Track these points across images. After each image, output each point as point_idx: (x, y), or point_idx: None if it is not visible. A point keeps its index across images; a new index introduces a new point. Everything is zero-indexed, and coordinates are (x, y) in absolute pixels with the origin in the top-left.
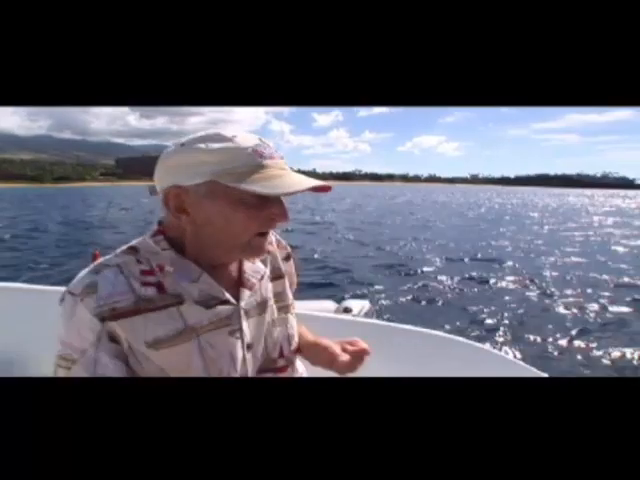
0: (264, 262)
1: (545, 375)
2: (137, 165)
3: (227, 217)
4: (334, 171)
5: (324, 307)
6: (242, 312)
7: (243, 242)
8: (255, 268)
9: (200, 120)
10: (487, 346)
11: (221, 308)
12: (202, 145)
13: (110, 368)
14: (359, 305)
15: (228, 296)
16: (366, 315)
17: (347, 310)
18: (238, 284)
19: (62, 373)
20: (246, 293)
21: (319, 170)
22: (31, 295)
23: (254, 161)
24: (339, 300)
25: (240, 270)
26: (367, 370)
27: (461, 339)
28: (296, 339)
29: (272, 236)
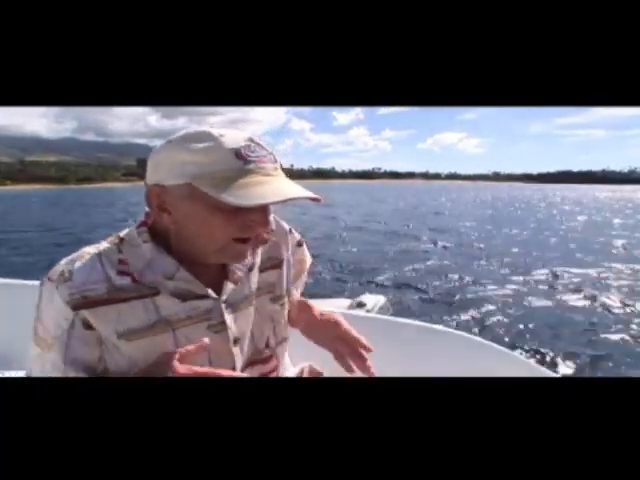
0: (254, 253)
1: (550, 372)
2: None
3: (203, 221)
4: (353, 169)
5: (337, 305)
6: (224, 306)
7: (218, 247)
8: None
9: (220, 120)
10: (488, 341)
11: (199, 302)
12: (186, 144)
13: (80, 354)
14: (374, 300)
15: (208, 291)
16: (381, 310)
17: (360, 305)
18: (222, 277)
19: (37, 351)
20: (229, 286)
21: (338, 168)
22: (12, 290)
23: (235, 165)
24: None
25: (226, 263)
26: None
27: (466, 334)
28: (284, 330)
29: (280, 224)
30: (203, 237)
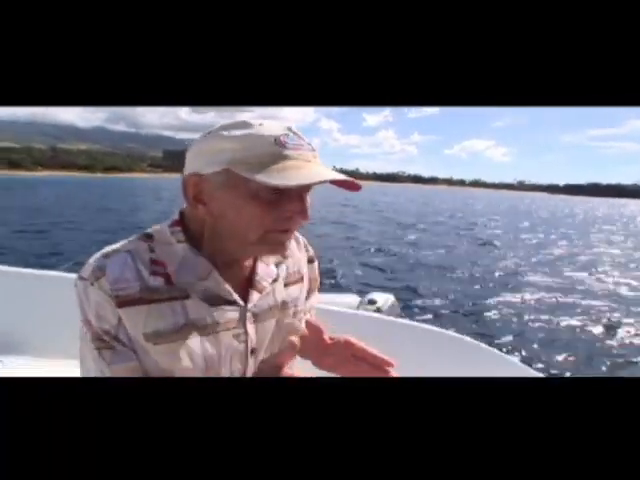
0: (279, 265)
1: (539, 375)
2: (183, 157)
3: (239, 210)
4: (377, 171)
5: (346, 301)
6: (249, 315)
7: (255, 238)
8: (268, 271)
9: (249, 116)
10: (485, 345)
11: (227, 308)
12: (224, 132)
13: (130, 350)
14: (383, 298)
15: (235, 297)
16: (390, 307)
17: (372, 302)
18: (248, 286)
19: (95, 353)
20: (255, 296)
21: (362, 170)
22: (26, 279)
23: (273, 150)
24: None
25: (252, 272)
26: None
27: (464, 337)
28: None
29: (298, 238)
30: (240, 227)
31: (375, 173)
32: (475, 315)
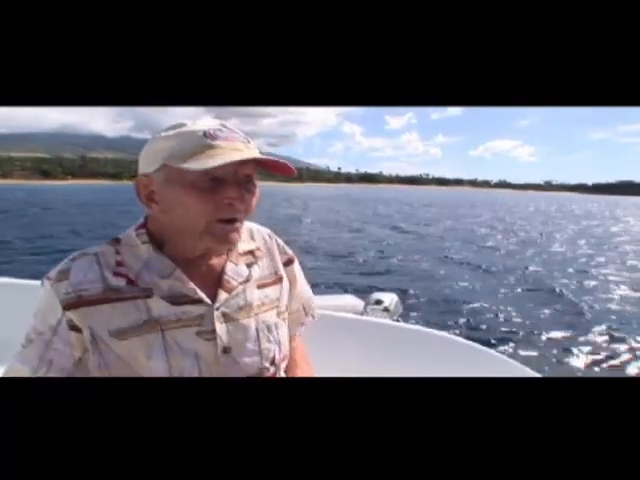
0: (250, 266)
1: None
2: None
3: (182, 202)
4: (401, 174)
5: (350, 303)
6: (216, 314)
7: (201, 229)
8: (238, 270)
9: (271, 122)
10: (489, 349)
11: (192, 307)
12: (163, 133)
13: (59, 354)
14: (389, 298)
15: (201, 295)
16: (396, 307)
17: (379, 302)
18: (217, 285)
19: (19, 350)
20: (223, 295)
21: (385, 172)
22: (16, 290)
23: (203, 142)
24: (364, 295)
25: (221, 271)
26: (377, 370)
27: (470, 343)
28: (286, 345)
29: (269, 239)
30: (185, 220)
31: (398, 175)
32: None
